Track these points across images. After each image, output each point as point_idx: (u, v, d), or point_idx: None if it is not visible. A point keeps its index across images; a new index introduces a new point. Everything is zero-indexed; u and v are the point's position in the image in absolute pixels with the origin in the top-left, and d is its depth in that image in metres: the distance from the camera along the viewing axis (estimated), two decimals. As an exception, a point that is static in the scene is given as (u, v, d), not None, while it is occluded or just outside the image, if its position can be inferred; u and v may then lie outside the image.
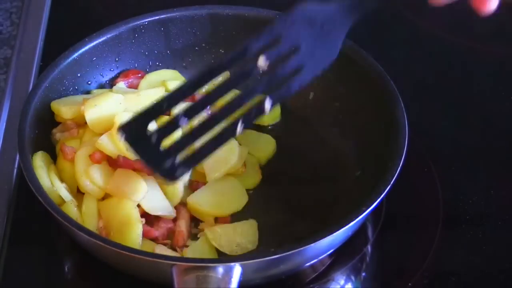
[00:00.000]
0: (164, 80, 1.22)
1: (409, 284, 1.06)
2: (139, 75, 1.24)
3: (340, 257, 1.08)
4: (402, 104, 1.09)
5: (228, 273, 0.91)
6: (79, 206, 1.06)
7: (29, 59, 1.36)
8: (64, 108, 1.13)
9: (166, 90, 1.19)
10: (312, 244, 0.94)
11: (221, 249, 1.06)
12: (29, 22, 1.43)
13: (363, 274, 1.10)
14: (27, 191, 1.00)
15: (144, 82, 1.23)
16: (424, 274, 1.07)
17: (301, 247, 0.93)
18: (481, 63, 1.40)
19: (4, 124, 1.25)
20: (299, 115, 1.24)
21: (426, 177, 1.19)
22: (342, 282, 1.08)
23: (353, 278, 1.09)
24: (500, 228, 1.15)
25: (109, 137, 1.08)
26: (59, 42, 1.30)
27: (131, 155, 1.07)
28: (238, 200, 1.12)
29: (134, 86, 1.23)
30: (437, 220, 1.14)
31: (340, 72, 1.17)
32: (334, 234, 0.95)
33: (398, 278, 1.09)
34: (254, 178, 1.16)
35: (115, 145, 1.08)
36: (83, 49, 1.18)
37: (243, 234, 1.08)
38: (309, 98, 1.24)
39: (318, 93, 1.23)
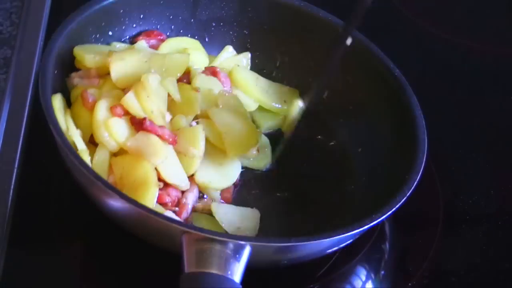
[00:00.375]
0: (185, 48, 1.20)
1: (409, 284, 1.06)
2: (161, 37, 1.22)
3: (340, 257, 1.08)
4: (424, 121, 1.09)
5: (238, 250, 0.90)
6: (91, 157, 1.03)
7: (29, 59, 1.36)
8: (88, 56, 1.11)
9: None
10: (325, 239, 0.94)
11: (221, 225, 1.05)
12: (29, 22, 1.43)
13: (363, 274, 1.10)
14: (27, 191, 1.00)
15: (164, 46, 1.20)
16: (424, 274, 1.07)
17: (315, 239, 0.93)
18: (481, 63, 1.40)
19: (4, 124, 1.25)
20: (312, 112, 1.22)
21: (426, 177, 1.19)
22: (342, 283, 1.08)
23: (353, 279, 1.09)
24: (500, 228, 1.15)
25: (136, 96, 1.05)
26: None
27: (157, 119, 1.05)
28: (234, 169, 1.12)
29: (154, 48, 1.21)
30: (437, 220, 1.14)
31: (360, 78, 1.18)
32: (347, 233, 0.95)
33: (398, 278, 1.09)
34: (264, 160, 1.17)
35: (142, 105, 1.05)
36: None
37: (245, 220, 1.07)
38: (323, 97, 1.23)
39: (333, 93, 1.22)
